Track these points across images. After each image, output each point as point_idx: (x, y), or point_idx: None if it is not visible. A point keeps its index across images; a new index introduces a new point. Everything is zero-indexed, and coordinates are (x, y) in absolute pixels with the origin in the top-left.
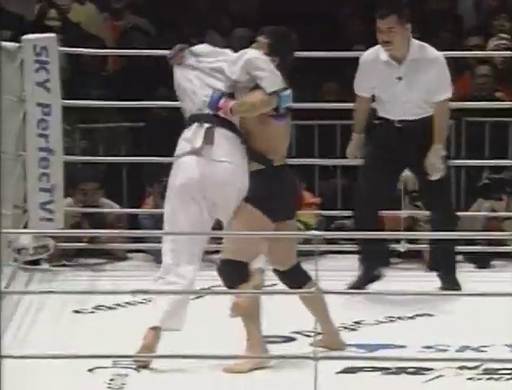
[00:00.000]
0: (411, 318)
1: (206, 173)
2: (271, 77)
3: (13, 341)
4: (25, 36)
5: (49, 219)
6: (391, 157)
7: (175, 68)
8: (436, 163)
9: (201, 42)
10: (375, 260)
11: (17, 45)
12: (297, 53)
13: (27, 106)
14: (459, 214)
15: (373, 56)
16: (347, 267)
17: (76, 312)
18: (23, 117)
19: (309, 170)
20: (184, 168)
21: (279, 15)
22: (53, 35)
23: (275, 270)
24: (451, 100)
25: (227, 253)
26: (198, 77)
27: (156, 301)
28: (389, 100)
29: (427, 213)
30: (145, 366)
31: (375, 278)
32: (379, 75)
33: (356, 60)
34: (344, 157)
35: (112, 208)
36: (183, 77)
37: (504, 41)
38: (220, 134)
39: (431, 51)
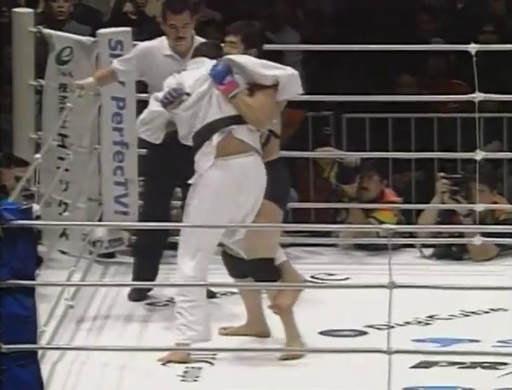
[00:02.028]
0: (486, 312)
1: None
2: None
3: (88, 333)
4: (100, 31)
5: (124, 212)
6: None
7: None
8: None
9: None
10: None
11: (92, 39)
12: (374, 46)
13: (102, 100)
14: None
15: (154, 47)
16: (420, 261)
17: (150, 304)
18: (99, 111)
19: (383, 163)
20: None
21: (355, 11)
22: (128, 29)
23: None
24: None
25: (255, 253)
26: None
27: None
28: None
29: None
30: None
31: None
32: (157, 67)
33: (434, 53)
34: (419, 150)
35: None
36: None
37: None
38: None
39: None
